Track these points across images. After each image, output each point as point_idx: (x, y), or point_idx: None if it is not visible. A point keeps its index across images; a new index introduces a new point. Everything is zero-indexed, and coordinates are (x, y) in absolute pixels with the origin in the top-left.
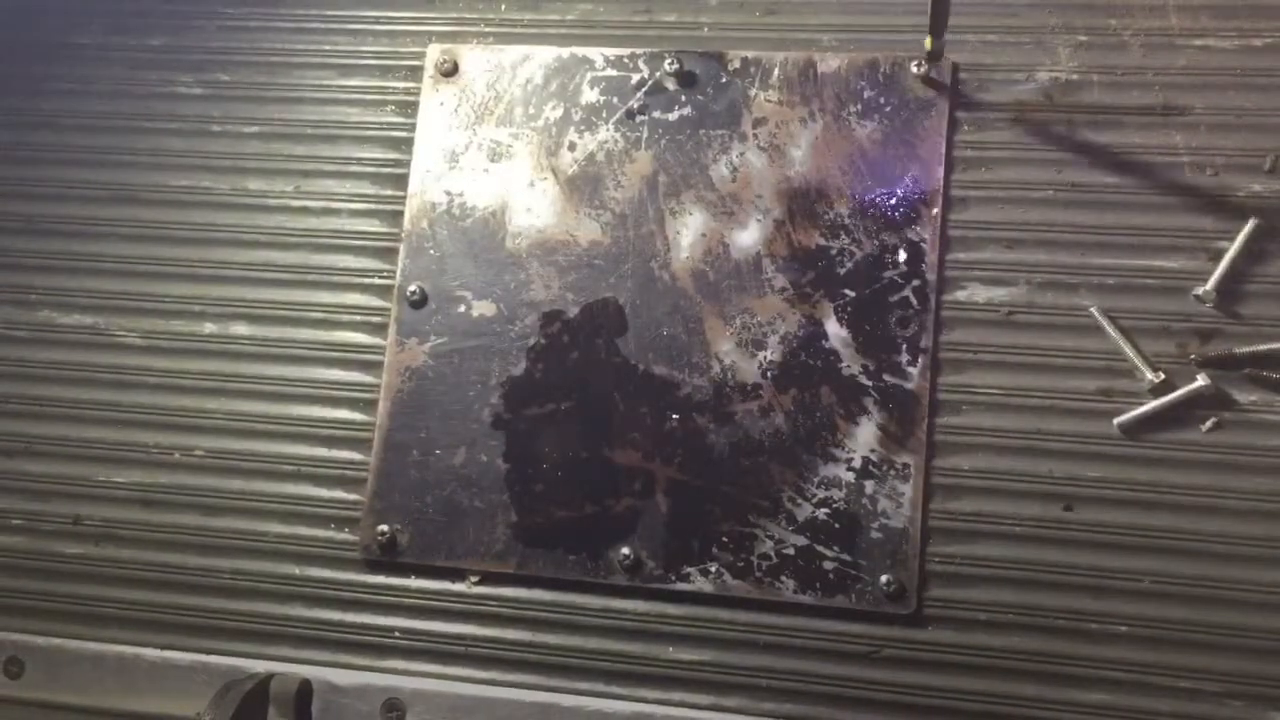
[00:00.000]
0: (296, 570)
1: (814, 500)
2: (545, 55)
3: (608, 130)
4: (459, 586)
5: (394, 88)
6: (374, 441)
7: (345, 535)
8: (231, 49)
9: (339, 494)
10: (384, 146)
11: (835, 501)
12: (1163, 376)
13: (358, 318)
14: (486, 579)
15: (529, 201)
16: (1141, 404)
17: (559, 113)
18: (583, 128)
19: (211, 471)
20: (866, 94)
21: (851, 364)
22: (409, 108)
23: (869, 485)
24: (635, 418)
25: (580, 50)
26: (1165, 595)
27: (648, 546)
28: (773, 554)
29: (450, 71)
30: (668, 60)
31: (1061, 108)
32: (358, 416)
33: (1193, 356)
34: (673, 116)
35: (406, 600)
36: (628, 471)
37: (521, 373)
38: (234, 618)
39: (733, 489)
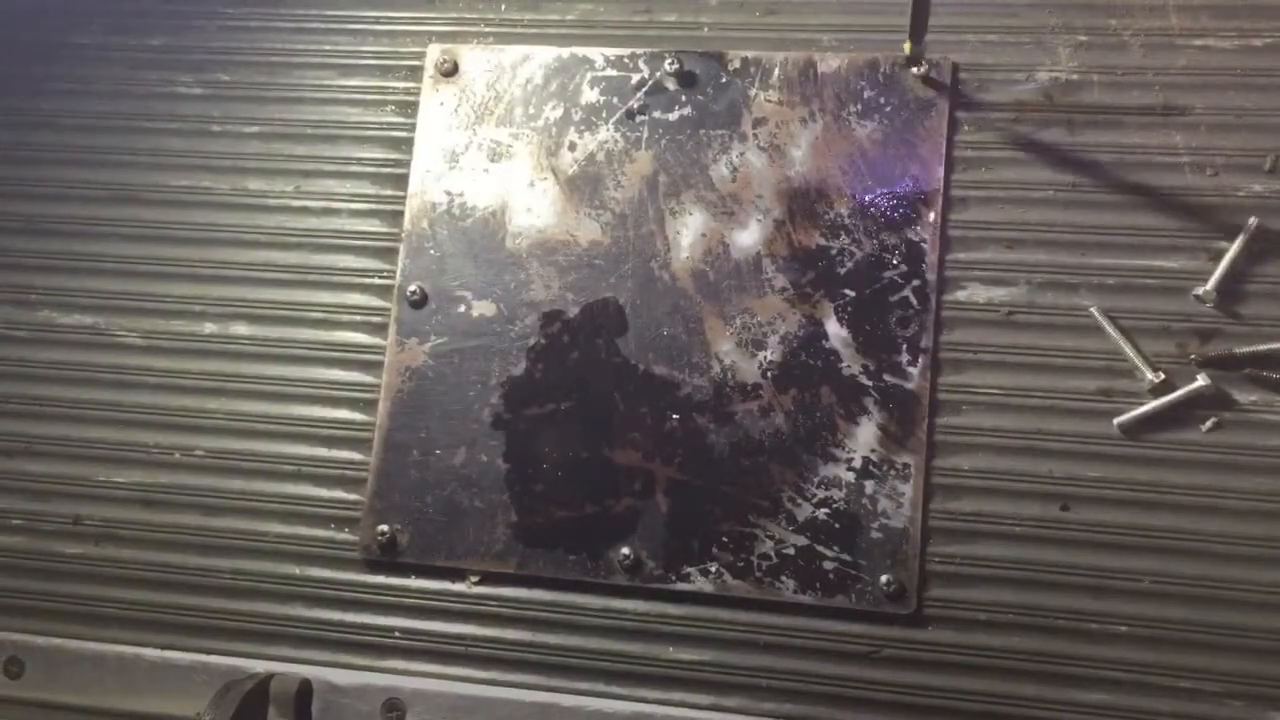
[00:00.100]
0: (296, 570)
1: (814, 500)
2: (545, 55)
3: (608, 130)
4: (459, 586)
5: (394, 88)
6: (374, 441)
7: (345, 535)
8: (232, 49)
9: (339, 494)
10: (384, 146)
11: (835, 501)
12: (1163, 376)
13: (358, 318)
14: (486, 579)
15: (529, 201)
16: (1141, 404)
17: (559, 113)
18: (583, 128)
19: (212, 471)
20: (866, 94)
21: (851, 364)
22: (409, 108)
23: (869, 485)
24: (635, 418)
25: (580, 50)
26: (1165, 595)
27: (648, 546)
28: (773, 554)
29: (450, 71)
30: (668, 60)
31: (1061, 108)
32: (358, 416)
33: (1193, 356)
34: (673, 116)
35: (406, 600)
36: (628, 471)
37: (521, 373)
38: (234, 618)
39: (733, 489)
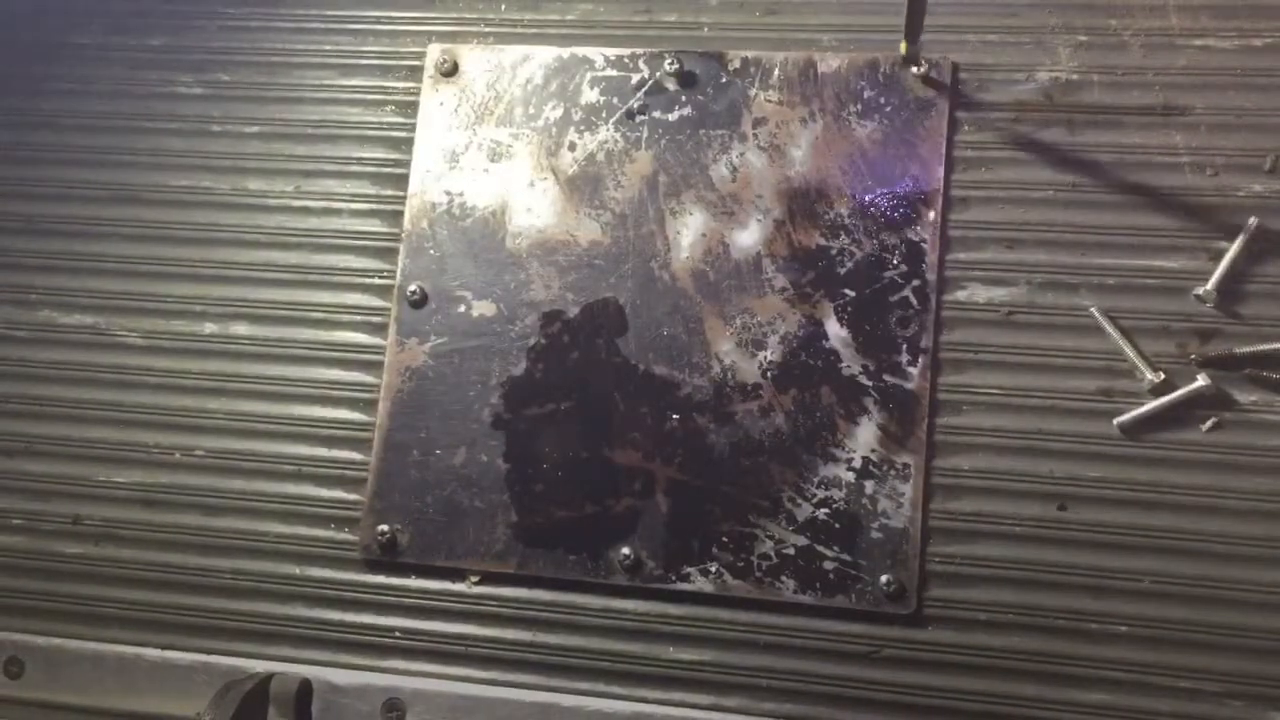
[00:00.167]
0: (297, 570)
1: (814, 500)
2: (545, 55)
3: (608, 130)
4: (459, 586)
5: (394, 88)
6: (374, 441)
7: (345, 535)
8: (232, 49)
9: (339, 494)
10: (384, 146)
11: (835, 501)
12: (1163, 376)
13: (358, 318)
14: (486, 579)
15: (529, 201)
16: (1141, 404)
17: (559, 113)
18: (583, 128)
19: (212, 471)
20: (867, 94)
21: (851, 364)
22: (409, 108)
23: (869, 485)
24: (635, 418)
25: (580, 50)
26: (1165, 595)
27: (648, 546)
28: (773, 554)
29: (450, 71)
30: (668, 60)
31: (1061, 108)
32: (358, 416)
33: (1193, 356)
34: (673, 116)
35: (406, 600)
36: (628, 471)
37: (521, 373)
38: (234, 618)
39: (733, 489)
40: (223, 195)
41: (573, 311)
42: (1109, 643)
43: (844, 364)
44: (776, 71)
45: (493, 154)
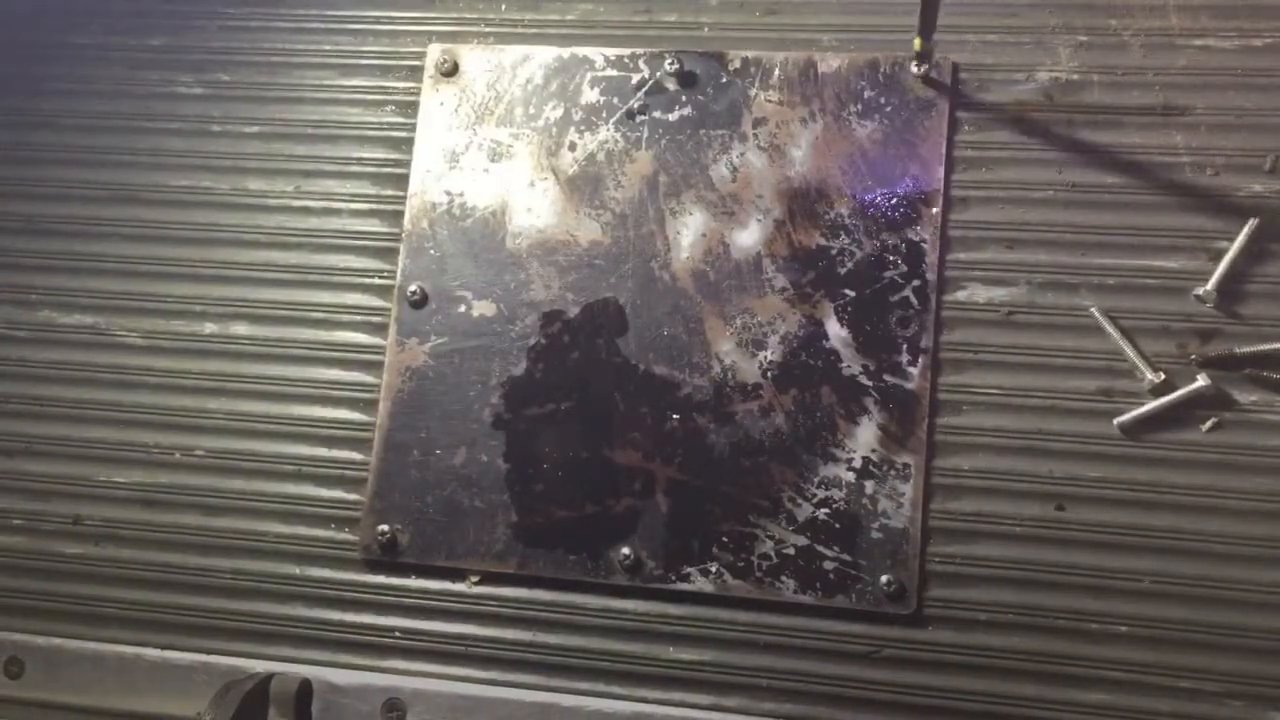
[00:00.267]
0: (296, 570)
1: (814, 500)
2: (545, 55)
3: (608, 130)
4: (459, 586)
5: (394, 88)
6: (374, 441)
7: (345, 535)
8: (232, 49)
9: (339, 494)
10: (384, 146)
11: (835, 501)
12: (1163, 376)
13: (358, 318)
14: (486, 579)
15: (529, 201)
16: (1141, 404)
17: (559, 113)
18: (583, 128)
19: (212, 471)
20: (867, 94)
21: (852, 364)
22: (409, 108)
23: (869, 485)
24: (635, 418)
25: (580, 50)
26: (1165, 595)
27: (648, 546)
28: (773, 554)
29: (450, 71)
30: (668, 60)
31: (1061, 108)
32: (358, 416)
33: (1193, 356)
34: (673, 116)
35: (406, 600)
36: (628, 471)
37: (522, 373)
38: (234, 618)
39: (733, 489)
40: (223, 195)
41: (573, 311)
42: (1109, 643)
43: (844, 364)
44: (777, 71)
45: (493, 154)
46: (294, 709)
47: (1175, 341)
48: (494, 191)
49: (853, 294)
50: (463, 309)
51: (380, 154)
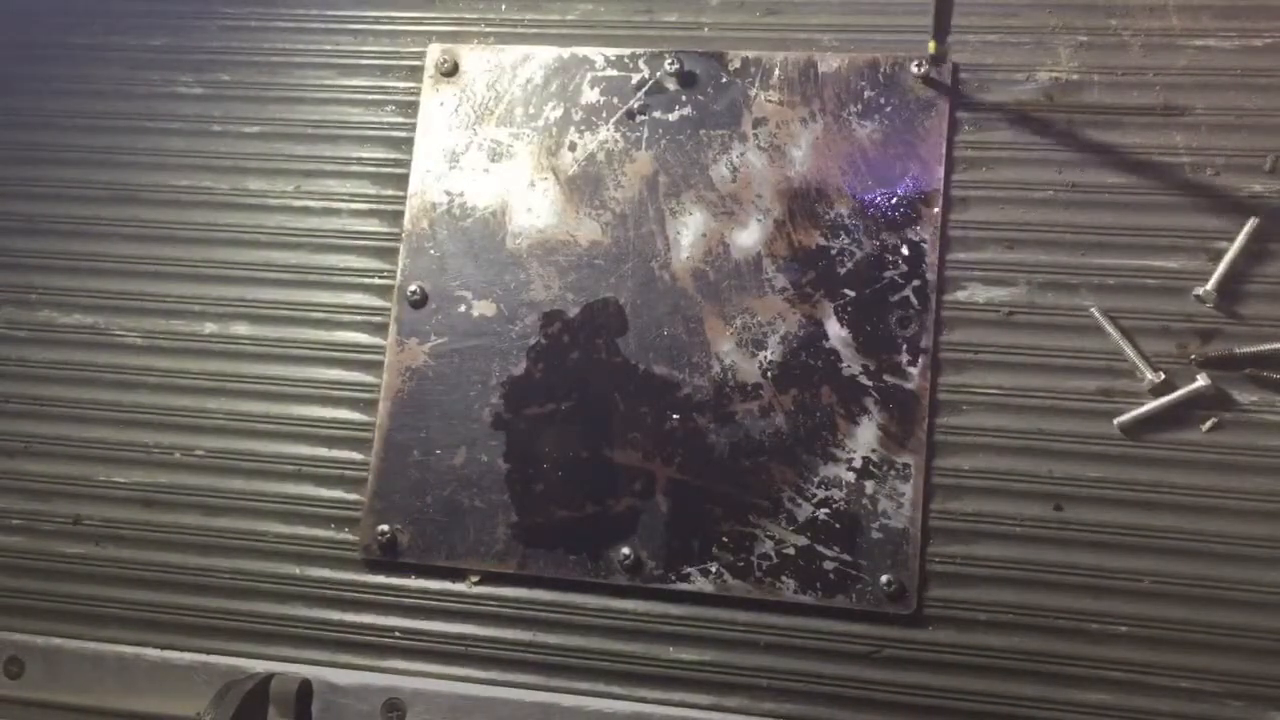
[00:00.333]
0: (296, 570)
1: (814, 500)
2: (545, 55)
3: (608, 130)
4: (459, 586)
5: (394, 88)
6: (374, 441)
7: (345, 535)
8: (232, 49)
9: (339, 494)
10: (384, 146)
11: (835, 501)
12: (1163, 376)
13: (358, 318)
14: (486, 579)
15: (529, 201)
16: (1141, 404)
17: (559, 113)
18: (583, 128)
19: (212, 471)
20: (867, 94)
21: (852, 364)
22: (409, 108)
23: (869, 485)
24: (635, 418)
25: (580, 50)
26: (1165, 595)
27: (648, 546)
28: (773, 554)
29: (450, 71)
30: (668, 60)
31: (1061, 108)
32: (358, 416)
33: (1193, 356)
34: (673, 116)
35: (406, 600)
36: (628, 471)
37: (522, 373)
38: (234, 618)
39: (733, 489)
40: (223, 195)
41: (573, 311)
42: (1109, 643)
43: (844, 364)
44: (777, 71)
45: (493, 154)
46: (294, 709)
47: (1175, 341)
48: (494, 191)
49: (853, 294)
50: (463, 309)
51: (380, 154)
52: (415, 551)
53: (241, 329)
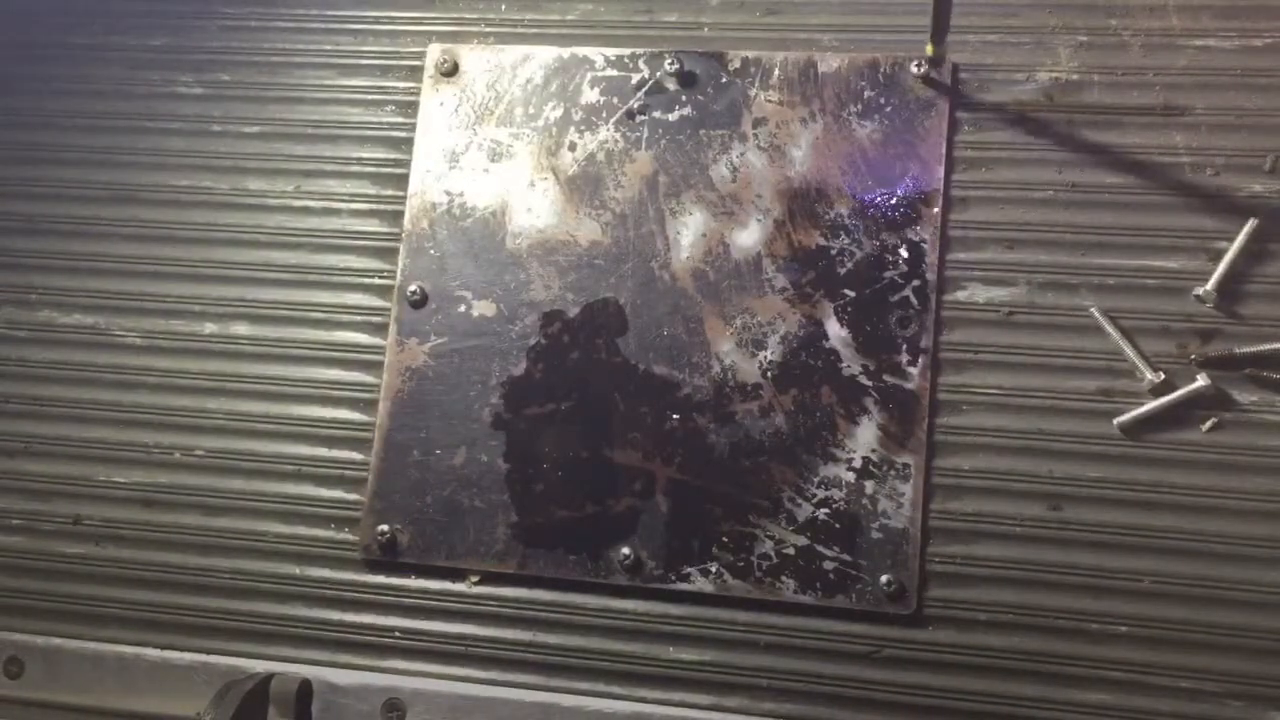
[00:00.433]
0: (296, 570)
1: (814, 500)
2: (545, 55)
3: (608, 130)
4: (459, 586)
5: (394, 88)
6: (374, 441)
7: (345, 535)
8: (232, 49)
9: (339, 494)
10: (384, 146)
11: (835, 501)
12: (1163, 376)
13: (358, 318)
14: (486, 579)
15: (529, 201)
16: (1141, 404)
17: (559, 113)
18: (583, 128)
19: (212, 471)
20: (867, 94)
21: (852, 364)
22: (409, 108)
23: (869, 485)
24: (635, 418)
25: (580, 50)
26: (1165, 595)
27: (648, 546)
28: (773, 554)
29: (450, 71)
30: (668, 60)
31: (1061, 108)
32: (358, 416)
33: (1193, 356)
34: (673, 116)
35: (406, 600)
36: (628, 471)
37: (521, 373)
38: (234, 618)
39: (733, 489)
40: (223, 195)
41: (573, 311)
42: (1109, 643)
43: (844, 364)
44: (776, 71)
45: (493, 154)
46: (294, 709)
47: (1175, 341)
48: (494, 191)
49: (853, 294)
50: (463, 309)
51: (380, 154)
52: (415, 551)
53: (241, 329)
